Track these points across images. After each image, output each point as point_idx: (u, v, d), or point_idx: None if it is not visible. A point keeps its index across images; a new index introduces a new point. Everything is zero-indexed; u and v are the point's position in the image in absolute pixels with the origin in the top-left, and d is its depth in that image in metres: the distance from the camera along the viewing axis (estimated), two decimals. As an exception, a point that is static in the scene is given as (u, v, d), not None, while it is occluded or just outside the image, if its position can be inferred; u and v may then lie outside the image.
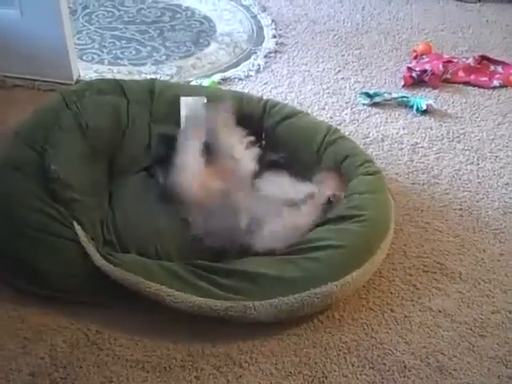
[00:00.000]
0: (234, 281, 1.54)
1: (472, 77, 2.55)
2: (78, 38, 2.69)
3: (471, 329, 1.61)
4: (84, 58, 2.58)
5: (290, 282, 1.54)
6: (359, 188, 1.76)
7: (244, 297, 1.51)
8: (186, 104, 1.96)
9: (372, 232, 1.66)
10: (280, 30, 2.83)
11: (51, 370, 1.45)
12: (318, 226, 1.68)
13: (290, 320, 1.56)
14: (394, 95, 2.40)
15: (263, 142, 1.90)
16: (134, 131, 1.91)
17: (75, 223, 1.60)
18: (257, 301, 1.51)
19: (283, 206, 1.69)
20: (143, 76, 2.47)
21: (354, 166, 1.84)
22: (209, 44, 2.73)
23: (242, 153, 1.83)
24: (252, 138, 1.87)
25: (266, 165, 1.83)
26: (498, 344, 1.57)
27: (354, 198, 1.73)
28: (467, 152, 2.19)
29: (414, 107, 2.36)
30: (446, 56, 2.63)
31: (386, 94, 2.40)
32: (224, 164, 1.79)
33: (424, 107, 2.34)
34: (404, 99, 2.39)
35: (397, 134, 2.26)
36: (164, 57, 2.63)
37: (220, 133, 1.83)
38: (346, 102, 2.40)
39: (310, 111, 2.27)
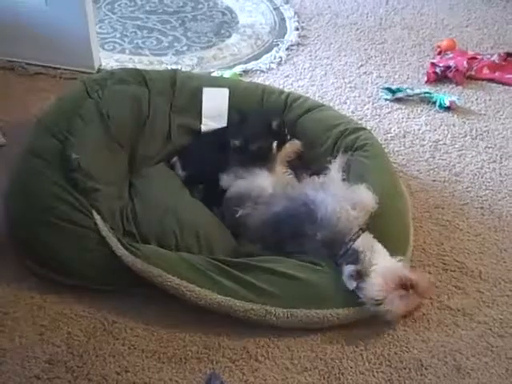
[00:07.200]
0: (259, 280, 1.53)
1: (496, 74, 2.52)
2: (100, 27, 2.69)
3: (490, 329, 1.59)
4: (106, 47, 2.59)
5: (317, 296, 1.54)
6: (376, 188, 1.67)
7: (267, 300, 1.51)
8: (209, 95, 1.96)
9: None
10: (302, 22, 2.82)
11: (67, 358, 1.46)
12: None
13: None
14: (417, 91, 2.37)
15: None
16: (155, 121, 1.91)
17: (95, 213, 1.60)
18: (279, 307, 1.50)
19: None
20: (164, 66, 2.47)
21: (367, 157, 1.80)
22: (230, 35, 2.72)
23: None
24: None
25: None
26: (517, 345, 1.56)
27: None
28: (490, 150, 2.17)
29: (437, 103, 2.33)
30: (470, 52, 2.60)
31: (408, 90, 2.37)
32: None
33: (447, 104, 2.31)
34: (427, 95, 2.36)
35: (419, 130, 2.23)
36: (185, 47, 2.62)
37: None
38: (368, 97, 2.38)
39: (331, 105, 2.25)
